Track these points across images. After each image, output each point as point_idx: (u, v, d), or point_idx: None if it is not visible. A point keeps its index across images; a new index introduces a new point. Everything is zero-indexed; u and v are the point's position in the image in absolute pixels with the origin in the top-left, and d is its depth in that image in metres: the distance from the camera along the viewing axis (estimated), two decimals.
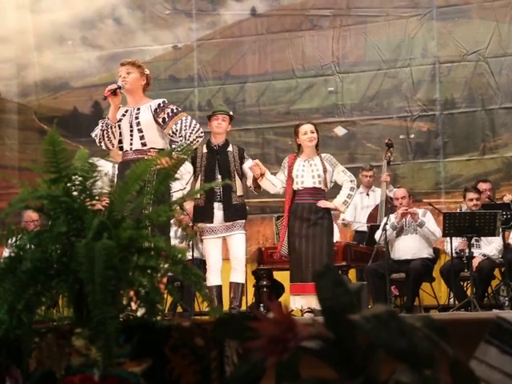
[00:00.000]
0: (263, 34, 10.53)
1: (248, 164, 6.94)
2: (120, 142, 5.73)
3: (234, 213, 6.81)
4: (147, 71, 5.87)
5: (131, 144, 5.66)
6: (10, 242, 2.48)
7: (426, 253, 8.24)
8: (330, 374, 1.82)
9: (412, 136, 9.87)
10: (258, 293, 8.42)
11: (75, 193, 2.54)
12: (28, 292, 2.32)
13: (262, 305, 8.09)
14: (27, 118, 11.24)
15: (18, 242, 2.43)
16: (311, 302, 6.57)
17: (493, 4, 9.69)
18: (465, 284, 8.28)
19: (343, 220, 8.70)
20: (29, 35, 11.19)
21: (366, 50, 10.15)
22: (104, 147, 5.73)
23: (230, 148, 6.98)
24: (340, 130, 10.16)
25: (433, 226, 8.25)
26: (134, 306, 2.44)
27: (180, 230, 7.41)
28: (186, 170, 6.85)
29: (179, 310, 8.26)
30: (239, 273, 6.91)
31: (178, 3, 10.88)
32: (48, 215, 2.51)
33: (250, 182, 6.94)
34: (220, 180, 6.77)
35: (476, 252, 8.00)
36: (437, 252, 8.50)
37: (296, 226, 6.75)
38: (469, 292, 7.88)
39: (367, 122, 10.05)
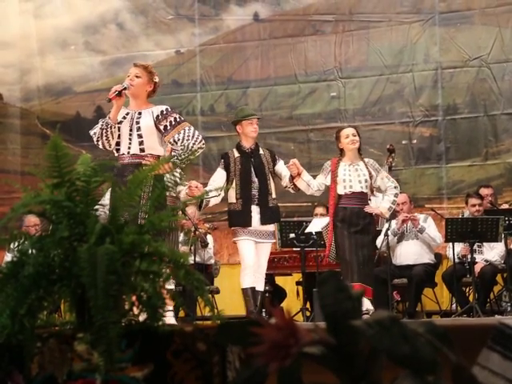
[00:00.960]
0: (266, 39, 10.54)
1: (280, 165, 6.94)
2: (117, 144, 5.71)
3: (271, 216, 6.79)
4: (157, 79, 5.84)
5: (129, 148, 5.64)
6: (12, 246, 2.49)
7: (428, 258, 8.24)
8: (332, 379, 1.82)
9: (414, 141, 9.87)
10: (261, 298, 8.41)
11: (78, 197, 2.54)
12: (30, 297, 2.33)
13: (264, 310, 8.08)
14: (30, 123, 11.25)
15: (20, 247, 2.43)
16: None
17: (495, 10, 9.70)
18: (467, 290, 8.27)
19: None
20: (32, 40, 11.21)
21: (369, 55, 10.16)
22: (101, 146, 5.70)
23: (261, 151, 6.97)
24: None
25: (433, 231, 8.24)
26: (136, 310, 2.44)
27: (182, 234, 7.41)
28: (219, 175, 6.84)
29: (181, 314, 8.26)
30: (261, 281, 6.86)
31: (181, 8, 10.89)
32: (50, 220, 2.51)
33: (286, 182, 6.90)
34: (257, 183, 6.75)
35: (478, 257, 8.00)
36: (439, 257, 8.49)
37: (344, 231, 6.73)
38: (471, 298, 7.87)
39: (369, 127, 10.05)
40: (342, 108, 10.17)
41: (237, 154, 6.89)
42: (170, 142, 5.67)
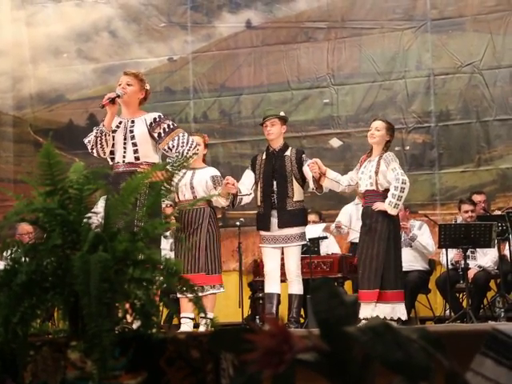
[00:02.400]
0: (258, 46, 10.55)
1: (306, 167, 6.76)
2: (111, 152, 5.71)
3: (289, 219, 6.66)
4: (148, 86, 5.86)
5: (124, 156, 5.65)
6: (4, 254, 2.48)
7: (421, 266, 8.25)
8: None
9: (407, 148, 9.89)
10: (254, 305, 8.40)
11: (70, 205, 2.54)
12: (23, 305, 2.32)
13: (257, 317, 8.07)
14: (22, 131, 11.23)
15: (13, 255, 2.43)
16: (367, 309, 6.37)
17: (487, 17, 9.73)
18: (460, 295, 8.28)
19: (338, 223, 8.60)
20: (24, 48, 11.20)
21: (361, 62, 10.18)
22: (95, 154, 5.71)
23: (287, 152, 6.83)
24: (335, 142, 10.16)
25: (426, 239, 8.24)
26: (129, 318, 2.44)
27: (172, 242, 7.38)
28: (246, 176, 6.81)
29: (175, 322, 8.24)
30: (294, 285, 6.81)
31: (173, 16, 10.90)
32: (43, 228, 2.50)
33: (311, 184, 6.74)
34: (275, 186, 6.69)
35: (472, 263, 8.00)
36: (432, 263, 8.50)
37: (361, 231, 6.64)
38: (464, 303, 7.87)
39: (362, 133, 10.03)
40: (334, 115, 10.19)
41: (264, 157, 6.85)
42: (165, 149, 5.68)
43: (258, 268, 7.99)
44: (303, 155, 6.89)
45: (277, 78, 10.45)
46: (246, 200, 6.80)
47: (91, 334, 2.23)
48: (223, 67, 10.68)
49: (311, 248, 7.62)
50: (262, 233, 6.74)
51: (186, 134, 5.76)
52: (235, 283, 8.08)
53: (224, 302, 7.89)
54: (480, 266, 8.04)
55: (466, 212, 8.17)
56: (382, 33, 10.09)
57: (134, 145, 5.64)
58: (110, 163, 5.76)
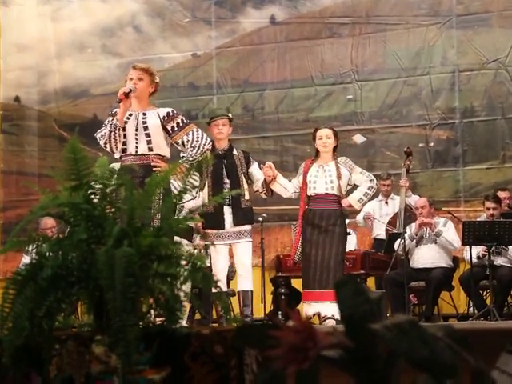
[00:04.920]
0: (282, 41, 10.53)
1: (254, 167, 6.87)
2: (123, 144, 5.72)
3: (243, 217, 6.75)
4: (157, 79, 5.88)
5: (137, 147, 5.66)
6: (29, 249, 2.50)
7: (445, 262, 8.20)
8: (350, 383, 1.81)
9: (431, 144, 9.83)
10: (277, 300, 8.40)
11: (95, 200, 2.55)
12: (48, 299, 2.33)
13: (280, 312, 8.07)
14: (47, 125, 11.29)
15: (38, 249, 2.44)
16: (319, 308, 6.52)
17: None
18: (484, 293, 8.23)
19: (367, 214, 8.60)
20: (49, 43, 11.26)
21: (385, 57, 10.13)
22: (108, 149, 5.70)
23: (235, 152, 6.90)
24: (359, 138, 10.13)
25: (451, 235, 8.19)
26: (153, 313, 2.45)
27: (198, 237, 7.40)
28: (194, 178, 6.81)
29: (197, 317, 8.26)
30: (248, 280, 6.85)
31: (198, 11, 10.90)
32: (68, 222, 2.52)
33: (258, 186, 6.84)
34: (228, 184, 6.73)
35: (499, 260, 7.93)
36: (456, 261, 8.45)
37: (308, 232, 6.68)
38: (488, 301, 7.82)
39: (386, 129, 10.03)
40: (358, 111, 10.15)
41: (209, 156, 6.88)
42: (178, 143, 5.71)
43: (280, 264, 7.98)
44: (250, 156, 6.98)
45: (300, 74, 10.43)
46: (193, 204, 6.85)
47: (116, 328, 2.24)
48: (247, 63, 10.67)
49: None
50: (209, 231, 6.71)
51: (199, 130, 5.79)
52: (258, 279, 8.07)
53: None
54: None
55: (488, 209, 8.11)
56: (406, 28, 10.03)
57: (148, 135, 5.65)
58: (117, 157, 5.74)
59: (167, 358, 2.28)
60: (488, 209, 8.11)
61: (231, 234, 6.74)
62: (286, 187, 6.82)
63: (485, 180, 9.63)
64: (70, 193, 2.53)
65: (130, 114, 5.74)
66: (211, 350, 2.26)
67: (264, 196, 7.02)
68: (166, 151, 5.71)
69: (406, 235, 7.76)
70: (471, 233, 7.62)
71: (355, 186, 6.87)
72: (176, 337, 2.28)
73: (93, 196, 2.55)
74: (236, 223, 6.71)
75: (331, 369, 1.79)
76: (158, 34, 10.99)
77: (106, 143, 5.68)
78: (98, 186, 2.58)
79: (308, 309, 6.67)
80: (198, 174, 2.90)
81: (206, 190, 6.78)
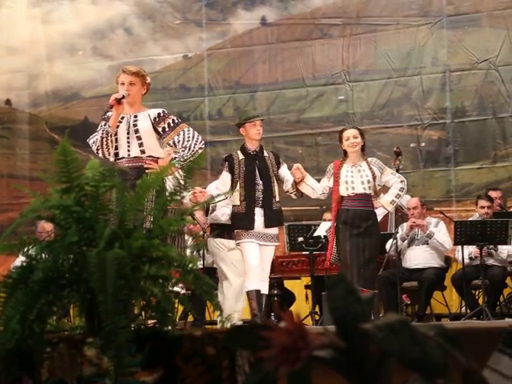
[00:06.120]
0: (273, 43, 10.54)
1: (284, 169, 6.85)
2: (115, 148, 5.71)
3: (274, 218, 6.72)
4: (148, 79, 5.88)
5: (129, 151, 5.65)
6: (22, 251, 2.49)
7: (437, 263, 8.21)
8: (342, 383, 1.81)
9: (423, 144, 9.85)
10: (269, 302, 8.40)
11: (86, 202, 2.54)
12: (40, 302, 2.33)
13: (272, 314, 8.07)
14: (38, 128, 11.27)
15: (29, 252, 2.43)
16: None
17: (503, 12, 9.68)
18: (476, 292, 8.24)
19: None
20: (40, 46, 11.24)
21: (377, 58, 10.15)
22: (101, 155, 5.70)
23: (265, 153, 6.88)
24: None
25: (443, 236, 8.19)
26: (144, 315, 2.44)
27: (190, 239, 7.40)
28: (224, 178, 6.80)
29: (190, 319, 8.25)
30: (266, 284, 6.83)
31: (188, 13, 10.90)
32: (59, 225, 2.51)
33: (288, 187, 6.81)
34: (261, 185, 6.73)
35: (491, 260, 7.95)
36: (448, 260, 8.47)
37: (346, 233, 6.63)
38: (480, 301, 7.84)
39: (377, 130, 10.04)
40: (349, 111, 10.17)
41: (241, 156, 6.83)
42: (169, 144, 5.70)
43: (273, 265, 7.98)
44: (280, 158, 6.99)
45: (292, 75, 10.44)
46: (224, 205, 6.86)
47: (107, 330, 2.23)
48: (238, 64, 10.68)
49: (326, 245, 7.59)
50: (242, 230, 6.69)
51: (191, 129, 5.76)
52: None
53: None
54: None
55: (483, 208, 8.12)
56: (397, 29, 10.06)
57: (139, 138, 5.64)
58: (111, 160, 5.74)
59: (159, 359, 2.28)
60: (482, 207, 8.12)
61: (261, 235, 6.71)
62: (314, 188, 6.79)
63: (476, 180, 9.66)
64: (61, 195, 2.53)
65: (122, 118, 5.73)
66: (203, 351, 2.26)
67: (294, 197, 6.98)
68: (159, 152, 5.70)
69: (398, 235, 7.77)
70: (463, 232, 7.64)
71: (384, 187, 6.88)
72: (168, 339, 2.28)
73: (84, 198, 2.55)
74: (267, 225, 6.68)
75: (323, 369, 1.79)
76: (149, 36, 10.98)
77: (98, 149, 5.68)
78: (89, 188, 2.57)
79: None
80: (189, 176, 2.89)
81: (237, 191, 6.74)
